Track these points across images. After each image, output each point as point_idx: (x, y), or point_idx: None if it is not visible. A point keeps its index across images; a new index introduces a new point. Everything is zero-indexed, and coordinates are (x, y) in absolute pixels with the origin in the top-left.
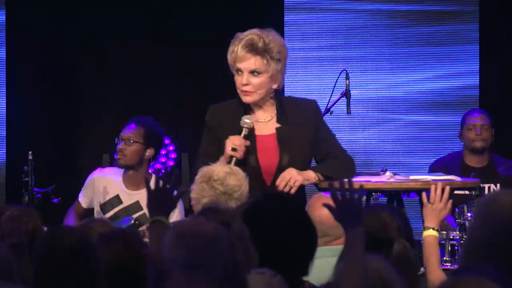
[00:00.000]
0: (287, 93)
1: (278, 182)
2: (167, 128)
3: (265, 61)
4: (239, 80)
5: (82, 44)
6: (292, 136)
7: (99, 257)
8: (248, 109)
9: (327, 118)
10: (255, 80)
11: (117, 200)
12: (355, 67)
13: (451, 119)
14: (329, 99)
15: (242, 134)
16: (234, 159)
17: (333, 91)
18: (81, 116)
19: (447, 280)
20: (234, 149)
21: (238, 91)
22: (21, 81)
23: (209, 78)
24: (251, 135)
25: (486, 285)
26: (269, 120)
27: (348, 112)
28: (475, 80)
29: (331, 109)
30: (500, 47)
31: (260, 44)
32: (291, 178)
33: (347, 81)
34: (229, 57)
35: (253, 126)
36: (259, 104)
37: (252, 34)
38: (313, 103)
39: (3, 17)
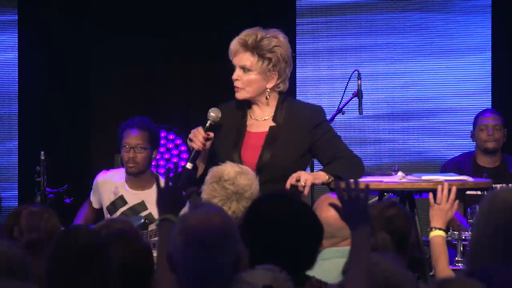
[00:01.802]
0: (299, 93)
1: (288, 183)
2: (178, 128)
3: (255, 58)
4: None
5: (94, 45)
6: (281, 136)
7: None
8: (249, 107)
9: (338, 118)
10: (245, 77)
11: (121, 201)
12: (367, 67)
13: (463, 118)
14: (341, 99)
15: (205, 126)
16: (193, 150)
17: (345, 91)
18: (93, 116)
19: (435, 281)
20: (190, 139)
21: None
22: (33, 81)
23: (220, 79)
24: (240, 132)
25: (473, 286)
26: (265, 119)
27: (360, 112)
28: (487, 79)
29: (343, 109)
30: None
31: (250, 41)
32: (301, 178)
33: (359, 81)
34: (229, 51)
35: (218, 120)
36: (256, 102)
37: (249, 30)
38: (317, 108)
39: (15, 17)
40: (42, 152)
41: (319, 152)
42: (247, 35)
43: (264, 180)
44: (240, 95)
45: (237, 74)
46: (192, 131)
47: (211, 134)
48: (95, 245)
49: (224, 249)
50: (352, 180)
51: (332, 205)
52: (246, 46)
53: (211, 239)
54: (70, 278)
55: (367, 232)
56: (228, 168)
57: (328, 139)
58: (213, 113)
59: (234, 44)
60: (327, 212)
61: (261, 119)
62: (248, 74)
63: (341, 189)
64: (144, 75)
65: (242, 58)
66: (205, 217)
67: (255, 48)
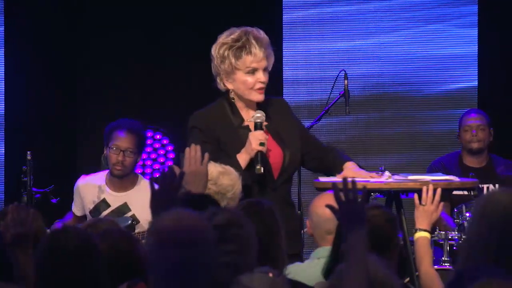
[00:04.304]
0: (286, 93)
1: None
2: (165, 128)
3: (272, 58)
4: (256, 78)
5: (82, 44)
6: (283, 131)
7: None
8: (235, 108)
9: (325, 118)
10: (267, 77)
11: (104, 204)
12: (355, 68)
13: (451, 119)
14: (328, 99)
15: (264, 128)
16: (259, 153)
17: (331, 92)
18: (80, 116)
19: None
20: (262, 144)
21: (248, 91)
22: (19, 81)
23: (208, 79)
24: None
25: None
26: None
27: (347, 112)
28: (474, 81)
29: (329, 109)
30: (500, 49)
31: (264, 41)
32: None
33: (346, 81)
34: (247, 58)
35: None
36: (245, 104)
37: (253, 32)
38: (284, 100)
39: (2, 16)
40: (28, 152)
41: (309, 145)
42: (256, 37)
43: (284, 180)
44: (263, 96)
45: (265, 76)
46: (258, 137)
47: (268, 136)
48: (85, 246)
49: (197, 250)
50: (349, 180)
51: (329, 206)
52: (264, 48)
53: (183, 238)
54: (61, 280)
55: (363, 233)
56: (211, 168)
57: (309, 132)
58: (259, 114)
59: (258, 50)
60: (323, 209)
61: (252, 119)
62: (267, 74)
63: (339, 189)
64: (133, 76)
65: (267, 60)
66: (177, 217)
67: (268, 47)
